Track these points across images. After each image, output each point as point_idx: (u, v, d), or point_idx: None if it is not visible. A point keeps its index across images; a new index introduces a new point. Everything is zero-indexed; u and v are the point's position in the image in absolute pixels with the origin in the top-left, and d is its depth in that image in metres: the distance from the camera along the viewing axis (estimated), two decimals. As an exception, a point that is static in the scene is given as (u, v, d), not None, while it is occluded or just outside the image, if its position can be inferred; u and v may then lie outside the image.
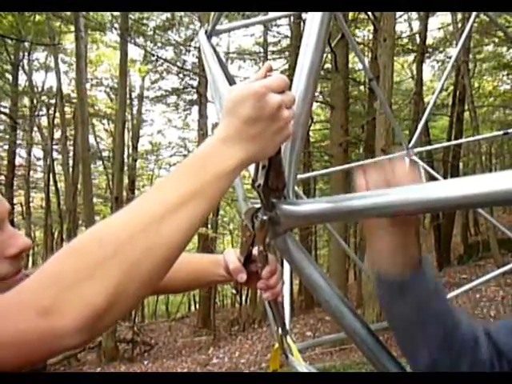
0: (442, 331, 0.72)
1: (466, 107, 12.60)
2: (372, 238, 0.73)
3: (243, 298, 16.16)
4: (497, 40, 13.26)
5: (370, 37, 13.99)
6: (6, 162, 15.21)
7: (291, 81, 0.72)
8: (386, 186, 0.67)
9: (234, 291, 0.98)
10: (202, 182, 0.60)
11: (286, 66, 14.28)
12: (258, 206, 0.76)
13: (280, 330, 1.65)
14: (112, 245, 0.54)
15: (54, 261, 0.54)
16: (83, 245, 0.55)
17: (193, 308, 20.70)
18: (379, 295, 0.76)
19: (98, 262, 0.53)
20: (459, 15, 11.82)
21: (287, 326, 1.82)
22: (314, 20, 0.74)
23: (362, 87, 14.94)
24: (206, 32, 1.97)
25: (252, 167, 0.73)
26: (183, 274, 1.02)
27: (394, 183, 0.66)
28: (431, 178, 3.84)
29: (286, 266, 2.35)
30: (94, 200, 13.23)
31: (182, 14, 15.28)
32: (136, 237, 0.55)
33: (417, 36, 14.66)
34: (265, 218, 0.73)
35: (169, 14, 15.21)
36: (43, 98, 16.84)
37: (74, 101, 14.97)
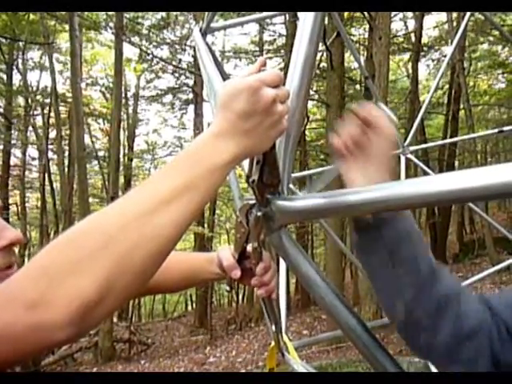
0: (417, 279, 0.70)
1: (462, 106, 12.65)
2: (349, 175, 0.75)
3: (240, 296, 16.16)
4: (492, 38, 13.31)
5: (366, 35, 14.00)
6: (0, 162, 15.12)
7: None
8: (361, 132, 0.72)
9: (227, 288, 0.97)
10: (195, 175, 0.60)
11: (282, 65, 14.28)
12: (253, 202, 0.76)
13: (274, 326, 1.65)
14: (103, 236, 0.53)
15: (44, 253, 0.53)
16: (74, 236, 0.54)
17: (189, 307, 20.68)
18: (354, 244, 0.76)
19: (88, 253, 0.52)
20: (454, 14, 11.86)
21: (282, 324, 1.82)
22: (307, 15, 0.73)
23: (357, 86, 14.96)
24: (200, 30, 1.96)
25: (246, 164, 0.72)
26: (176, 272, 1.02)
27: (370, 126, 0.71)
28: (427, 176, 3.86)
29: (282, 263, 2.35)
30: (90, 200, 13.17)
31: (178, 12, 15.25)
32: (128, 228, 0.54)
33: (412, 35, 14.69)
34: (259, 214, 0.73)
35: (164, 13, 15.17)
36: (38, 97, 16.73)
37: (69, 100, 14.89)
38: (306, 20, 0.73)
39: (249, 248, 0.84)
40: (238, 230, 0.81)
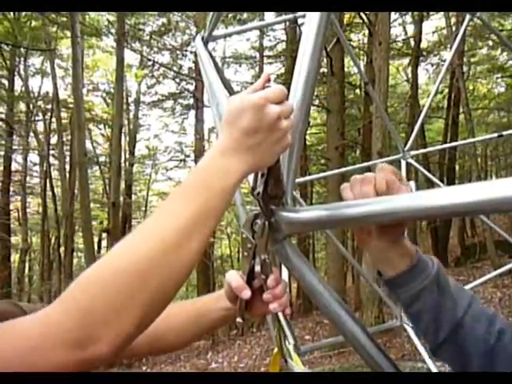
0: (440, 326, 0.73)
1: (461, 110, 12.66)
2: (365, 246, 0.77)
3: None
4: (490, 43, 13.35)
5: (365, 41, 14.05)
6: (2, 168, 15.14)
7: (288, 87, 0.74)
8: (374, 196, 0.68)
9: (239, 320, 0.87)
10: (209, 201, 0.63)
11: (282, 70, 14.33)
12: (257, 212, 0.77)
13: (291, 342, 1.64)
14: (138, 275, 0.57)
15: (80, 292, 0.56)
16: (109, 275, 0.57)
17: (191, 312, 20.58)
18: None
19: (126, 292, 0.56)
20: (453, 19, 11.90)
21: (286, 330, 1.82)
22: (310, 30, 0.75)
23: (357, 91, 14.99)
24: (202, 38, 1.98)
25: (251, 176, 0.74)
26: (180, 319, 0.99)
27: (382, 192, 0.66)
28: (427, 181, 3.88)
29: (284, 270, 2.36)
30: (91, 205, 13.18)
31: (179, 18, 15.32)
32: (159, 264, 0.58)
33: (411, 40, 14.74)
34: (265, 222, 0.75)
35: (165, 19, 15.24)
36: (39, 103, 16.78)
37: (71, 106, 14.93)
38: (309, 35, 0.75)
39: (257, 268, 0.81)
40: (245, 247, 0.81)
